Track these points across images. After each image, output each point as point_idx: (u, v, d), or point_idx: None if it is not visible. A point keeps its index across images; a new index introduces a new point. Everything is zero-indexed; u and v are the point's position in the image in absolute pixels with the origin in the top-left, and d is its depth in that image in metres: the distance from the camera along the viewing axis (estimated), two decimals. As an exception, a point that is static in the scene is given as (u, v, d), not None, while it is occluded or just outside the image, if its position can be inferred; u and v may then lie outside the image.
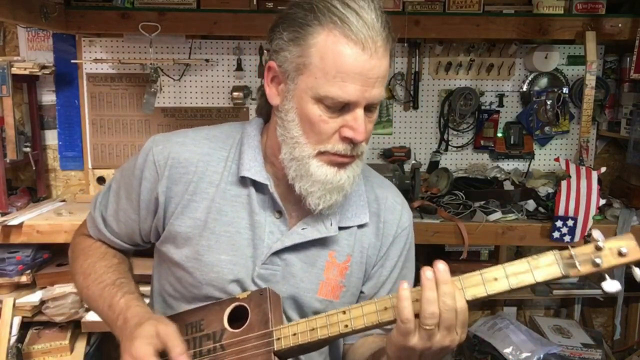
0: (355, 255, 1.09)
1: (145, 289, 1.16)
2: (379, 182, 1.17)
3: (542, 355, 2.19)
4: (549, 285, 2.53)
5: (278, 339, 0.94)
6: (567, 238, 2.20)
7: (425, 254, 2.40)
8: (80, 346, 2.32)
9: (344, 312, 0.91)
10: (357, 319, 0.90)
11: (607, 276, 0.84)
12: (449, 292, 0.83)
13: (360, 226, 1.09)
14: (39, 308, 2.24)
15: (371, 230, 1.11)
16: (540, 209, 2.37)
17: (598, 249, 0.82)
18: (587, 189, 2.14)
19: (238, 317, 1.00)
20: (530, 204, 2.40)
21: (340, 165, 0.97)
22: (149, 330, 0.91)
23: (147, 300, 1.10)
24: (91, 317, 2.23)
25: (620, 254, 0.81)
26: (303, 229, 1.04)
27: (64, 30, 2.38)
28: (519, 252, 2.80)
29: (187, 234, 1.04)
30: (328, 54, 0.89)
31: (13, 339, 2.14)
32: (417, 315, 0.84)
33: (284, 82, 0.97)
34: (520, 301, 2.80)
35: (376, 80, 0.91)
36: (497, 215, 2.27)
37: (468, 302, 0.85)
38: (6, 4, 1.90)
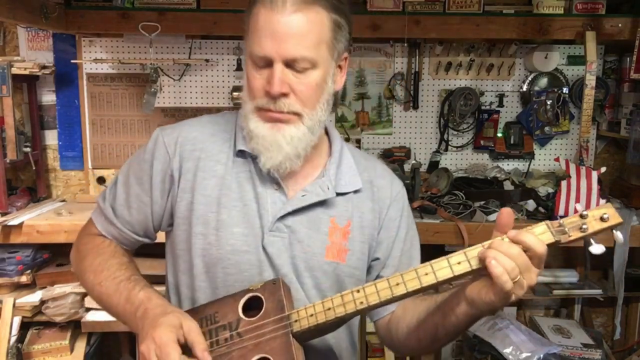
0: (355, 219, 1.15)
1: (160, 289, 1.15)
2: (365, 156, 1.27)
3: (542, 355, 2.19)
4: (549, 285, 2.53)
5: (296, 320, 0.99)
6: (567, 238, 2.19)
7: (425, 254, 2.39)
8: (80, 346, 2.32)
9: (358, 291, 0.97)
10: (372, 295, 0.96)
11: (592, 241, 0.92)
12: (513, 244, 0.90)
13: (355, 192, 1.17)
14: (39, 308, 2.24)
15: (367, 195, 1.18)
16: (540, 209, 2.37)
17: (583, 217, 0.91)
18: (587, 189, 2.14)
19: (252, 309, 1.02)
20: (530, 204, 2.39)
21: (273, 123, 1.04)
22: (174, 320, 0.96)
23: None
24: (91, 317, 2.22)
25: (603, 219, 0.90)
26: (303, 195, 1.11)
27: (64, 30, 2.38)
28: (519, 252, 2.79)
29: (199, 211, 1.10)
30: (252, 19, 1.05)
31: (13, 339, 2.14)
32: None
33: None
34: (520, 301, 2.80)
35: (288, 36, 1.00)
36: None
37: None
38: (6, 4, 1.90)
